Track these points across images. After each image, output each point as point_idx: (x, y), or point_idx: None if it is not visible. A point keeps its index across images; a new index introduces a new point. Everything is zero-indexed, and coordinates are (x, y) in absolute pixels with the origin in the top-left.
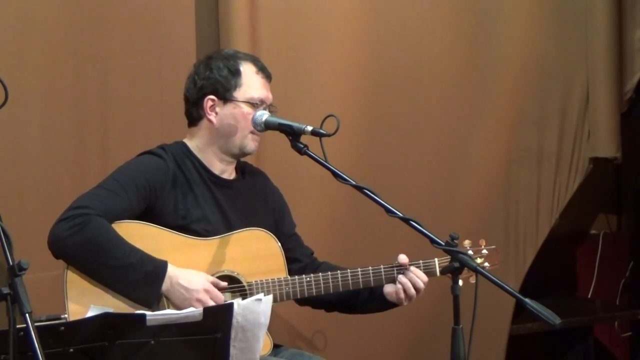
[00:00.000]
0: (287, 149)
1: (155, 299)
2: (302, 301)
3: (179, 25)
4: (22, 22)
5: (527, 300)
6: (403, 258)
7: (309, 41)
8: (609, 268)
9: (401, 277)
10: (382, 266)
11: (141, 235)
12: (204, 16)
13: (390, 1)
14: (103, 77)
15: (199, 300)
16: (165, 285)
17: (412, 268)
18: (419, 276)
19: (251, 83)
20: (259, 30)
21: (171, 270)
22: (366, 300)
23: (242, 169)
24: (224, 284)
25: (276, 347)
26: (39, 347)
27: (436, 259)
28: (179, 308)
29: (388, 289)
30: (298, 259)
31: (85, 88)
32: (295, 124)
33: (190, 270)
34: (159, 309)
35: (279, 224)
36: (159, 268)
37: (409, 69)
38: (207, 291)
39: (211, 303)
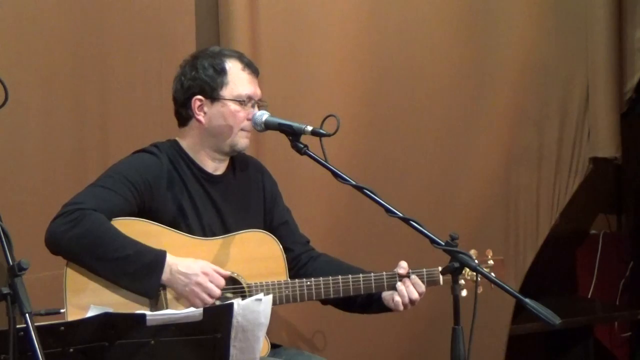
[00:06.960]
0: (287, 149)
1: (156, 289)
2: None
3: (179, 25)
4: (22, 22)
5: (527, 300)
6: (403, 267)
7: (309, 41)
8: (609, 268)
9: (399, 285)
10: (384, 273)
11: (142, 233)
12: (204, 16)
13: (390, 1)
14: (103, 77)
15: (198, 284)
16: (165, 274)
17: (413, 277)
18: (416, 285)
19: (237, 80)
20: (259, 30)
21: (170, 258)
22: (364, 303)
23: (233, 160)
24: (227, 272)
25: (275, 347)
26: (39, 347)
27: (439, 268)
28: (180, 296)
29: (385, 294)
30: (289, 247)
31: (85, 88)
32: (295, 124)
33: (190, 258)
34: (157, 308)
35: (271, 211)
36: (158, 257)
37: (409, 69)
38: (205, 274)
39: (211, 286)
